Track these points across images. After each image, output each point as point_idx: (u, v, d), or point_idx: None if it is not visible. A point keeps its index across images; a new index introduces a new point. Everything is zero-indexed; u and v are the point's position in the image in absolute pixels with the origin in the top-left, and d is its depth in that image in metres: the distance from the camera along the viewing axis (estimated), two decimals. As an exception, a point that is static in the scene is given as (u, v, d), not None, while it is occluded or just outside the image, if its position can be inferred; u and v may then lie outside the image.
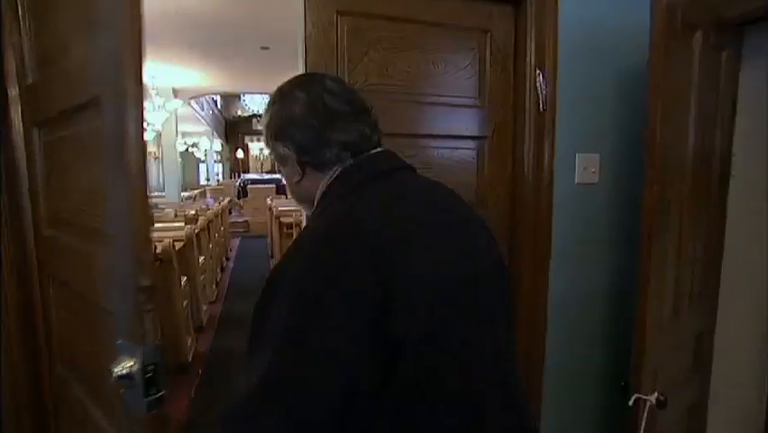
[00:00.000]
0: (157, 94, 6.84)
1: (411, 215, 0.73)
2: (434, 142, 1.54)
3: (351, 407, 0.62)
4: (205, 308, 4.55)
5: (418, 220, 0.74)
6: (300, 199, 0.89)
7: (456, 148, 1.57)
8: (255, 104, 25.61)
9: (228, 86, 8.15)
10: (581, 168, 1.67)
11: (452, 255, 0.74)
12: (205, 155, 18.79)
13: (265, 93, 9.60)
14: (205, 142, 15.38)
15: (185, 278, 3.77)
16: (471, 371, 0.71)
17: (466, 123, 1.57)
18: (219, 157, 20.57)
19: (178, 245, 3.60)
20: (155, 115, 6.88)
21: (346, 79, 1.36)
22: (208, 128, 15.25)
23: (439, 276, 0.69)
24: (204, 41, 5.24)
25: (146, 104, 6.36)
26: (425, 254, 0.69)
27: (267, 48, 5.48)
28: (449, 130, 1.55)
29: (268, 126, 0.84)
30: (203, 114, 13.14)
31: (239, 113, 23.60)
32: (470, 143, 1.59)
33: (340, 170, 0.79)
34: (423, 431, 0.67)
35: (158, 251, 3.10)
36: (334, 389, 0.61)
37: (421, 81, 1.49)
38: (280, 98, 0.83)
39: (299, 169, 0.82)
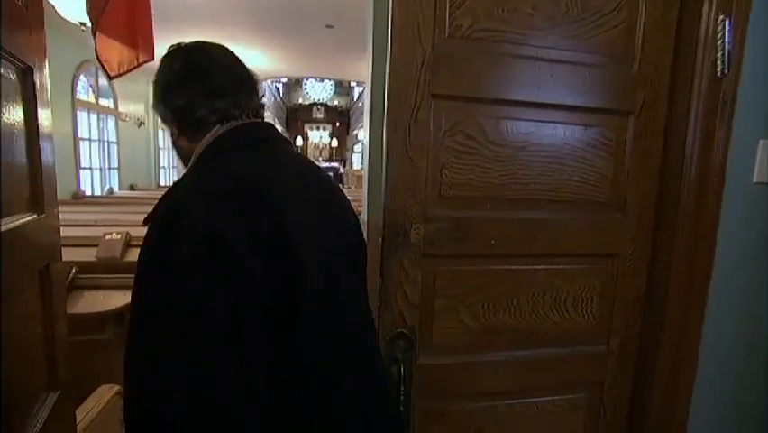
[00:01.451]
0: (220, 76, 6.77)
1: (285, 178, 0.79)
2: (556, 115, 1.11)
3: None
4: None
5: (288, 180, 0.79)
6: (179, 156, 0.91)
7: (587, 126, 1.14)
8: (316, 92, 25.85)
9: (291, 69, 7.99)
10: (765, 160, 1.18)
11: (315, 214, 0.79)
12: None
13: (327, 77, 9.41)
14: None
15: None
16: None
17: (603, 91, 1.13)
18: (279, 144, 20.84)
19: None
20: (218, 98, 6.83)
21: (447, 24, 1.01)
22: (270, 114, 15.42)
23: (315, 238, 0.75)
24: (268, 20, 5.03)
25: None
26: (295, 209, 0.74)
27: (331, 26, 5.18)
28: (578, 100, 1.12)
29: (153, 89, 0.87)
30: (265, 101, 13.24)
31: (300, 101, 23.87)
32: (608, 120, 1.15)
33: (218, 134, 0.82)
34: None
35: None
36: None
37: (545, 29, 1.07)
38: (162, 64, 0.87)
39: (175, 129, 0.87)
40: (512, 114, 1.06)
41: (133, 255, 2.91)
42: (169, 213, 0.72)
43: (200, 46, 0.88)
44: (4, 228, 0.81)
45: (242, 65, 0.89)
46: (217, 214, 0.68)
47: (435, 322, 1.06)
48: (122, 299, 1.73)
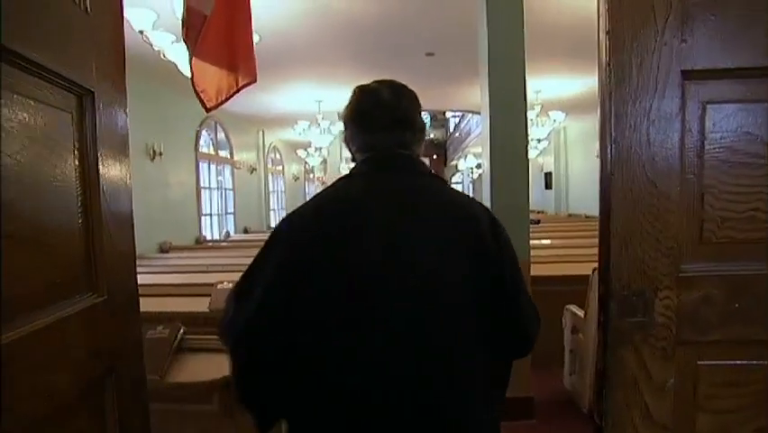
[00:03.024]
0: (323, 117, 6.91)
1: (349, 212, 0.94)
2: None
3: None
4: None
5: (333, 216, 0.94)
6: None
7: None
8: (411, 127, 26.21)
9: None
10: None
11: (351, 252, 0.90)
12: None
13: (426, 110, 9.26)
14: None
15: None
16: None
17: None
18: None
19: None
20: (321, 138, 6.96)
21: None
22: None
23: (336, 250, 0.90)
24: (368, 51, 4.97)
25: (313, 128, 6.40)
26: (324, 239, 0.91)
27: (432, 54, 4.96)
28: None
29: None
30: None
31: (396, 136, 24.25)
32: None
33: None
34: None
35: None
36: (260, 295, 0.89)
37: None
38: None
39: (350, 153, 1.09)
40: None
41: None
42: None
43: (364, 90, 1.05)
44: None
45: (380, 101, 1.02)
46: (290, 218, 0.98)
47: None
48: (228, 366, 1.49)
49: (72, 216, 0.61)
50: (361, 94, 1.04)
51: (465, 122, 15.60)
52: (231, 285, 2.74)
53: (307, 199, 1.09)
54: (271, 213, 10.67)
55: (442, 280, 0.89)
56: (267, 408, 0.94)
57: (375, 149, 0.99)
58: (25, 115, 0.53)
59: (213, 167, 7.78)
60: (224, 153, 8.15)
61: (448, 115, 24.18)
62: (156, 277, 3.71)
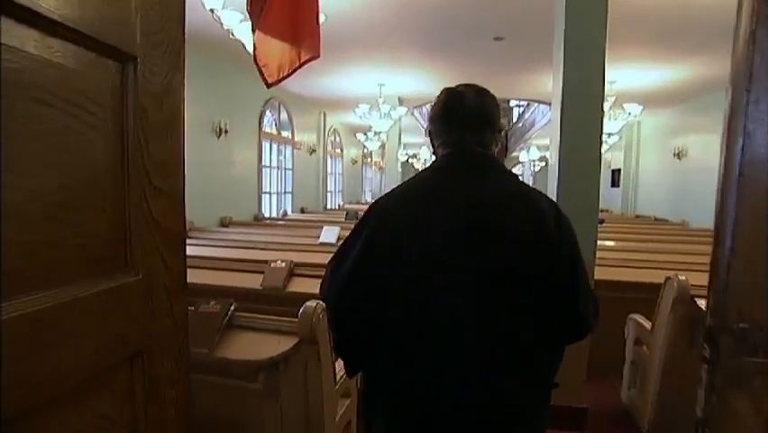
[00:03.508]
0: (384, 102, 6.84)
1: (416, 199, 1.10)
2: None
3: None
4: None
5: (416, 204, 1.09)
6: None
7: None
8: (473, 115, 25.53)
9: (452, 91, 7.73)
10: None
11: (429, 235, 1.04)
12: (425, 165, 19.37)
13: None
14: (425, 152, 15.72)
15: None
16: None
17: None
18: (435, 167, 21.02)
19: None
20: (381, 123, 6.90)
21: None
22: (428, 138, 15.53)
23: (399, 239, 1.05)
24: (433, 35, 4.80)
25: (373, 112, 6.33)
26: (396, 223, 1.07)
27: (501, 38, 4.71)
28: None
29: None
30: (425, 124, 13.34)
31: (457, 124, 23.78)
32: None
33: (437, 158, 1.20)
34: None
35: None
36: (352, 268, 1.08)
37: None
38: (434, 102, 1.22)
39: (432, 147, 1.23)
40: None
41: (296, 285, 2.83)
42: None
43: (451, 92, 1.17)
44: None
45: (462, 103, 1.14)
46: (378, 203, 1.16)
47: None
48: (275, 347, 1.48)
49: (106, 191, 0.58)
50: (448, 95, 1.17)
51: (530, 112, 14.94)
52: (284, 264, 2.74)
53: (386, 185, 1.54)
54: (328, 195, 10.83)
55: (507, 264, 1.02)
56: (353, 356, 1.14)
57: (457, 145, 1.12)
58: (52, 78, 0.50)
59: (274, 146, 7.97)
60: (285, 134, 8.32)
61: (512, 104, 23.28)
62: (214, 250, 3.85)
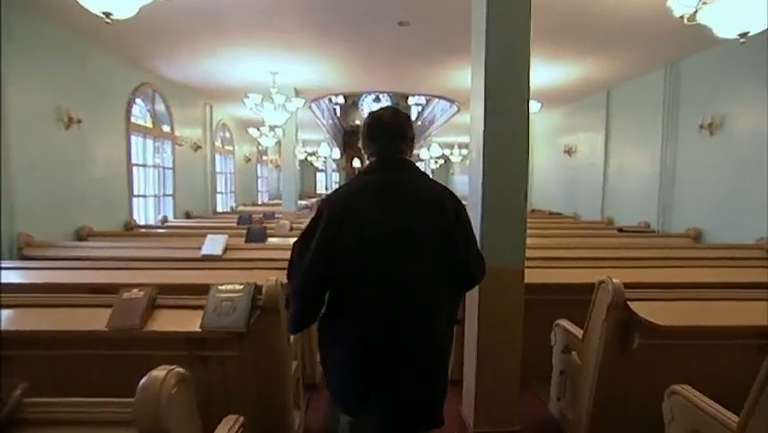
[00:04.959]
0: (277, 92, 6.15)
1: (368, 195, 1.51)
2: None
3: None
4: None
5: (369, 199, 1.49)
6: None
7: None
8: (372, 112, 25.51)
9: (353, 82, 7.26)
10: None
11: (380, 217, 1.46)
12: (324, 164, 18.72)
13: (391, 92, 8.63)
14: (324, 149, 15.09)
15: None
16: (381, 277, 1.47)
17: None
18: (336, 166, 20.49)
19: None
20: (275, 116, 6.21)
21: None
22: (328, 135, 14.94)
23: (362, 225, 1.45)
24: (330, 19, 4.28)
25: (266, 104, 5.64)
26: (357, 214, 1.46)
27: (406, 23, 4.35)
28: None
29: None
30: (323, 120, 12.73)
31: (357, 122, 23.57)
32: None
33: (367, 164, 1.64)
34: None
35: (260, 296, 2.07)
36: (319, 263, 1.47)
37: None
38: (364, 120, 1.69)
39: (366, 157, 1.65)
40: None
41: (160, 321, 2.05)
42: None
43: (374, 115, 1.65)
44: None
45: (386, 123, 1.62)
46: (325, 205, 1.54)
47: None
48: None
49: None
50: (372, 117, 1.64)
51: (429, 110, 15.13)
52: (141, 293, 2.01)
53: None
54: (218, 196, 9.75)
55: (425, 237, 1.49)
56: (308, 319, 1.56)
57: (382, 155, 1.58)
58: None
59: (149, 142, 6.84)
60: (165, 128, 7.20)
61: (410, 102, 23.68)
62: (53, 275, 2.93)
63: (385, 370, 1.44)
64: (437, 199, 1.54)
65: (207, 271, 3.07)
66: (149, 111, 6.82)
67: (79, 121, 4.65)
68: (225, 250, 4.02)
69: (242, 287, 2.10)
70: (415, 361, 1.46)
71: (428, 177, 1.66)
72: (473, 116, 2.57)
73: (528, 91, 2.41)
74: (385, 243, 1.45)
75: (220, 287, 2.10)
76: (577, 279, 3.02)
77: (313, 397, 2.91)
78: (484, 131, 2.36)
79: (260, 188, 13.95)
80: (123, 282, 2.88)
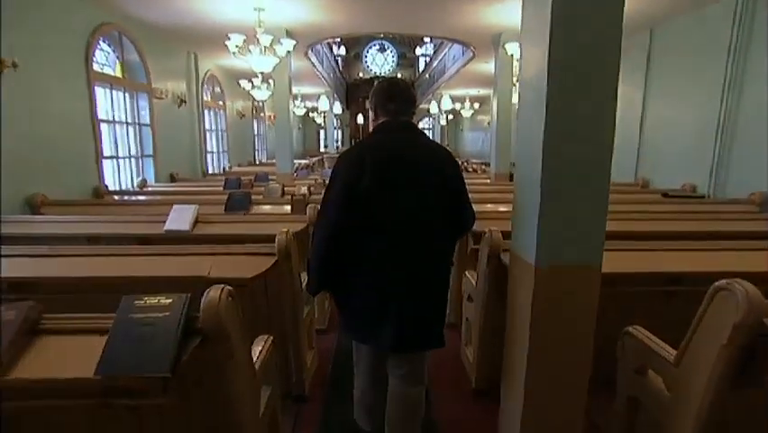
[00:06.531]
0: (264, 32, 5.21)
1: (382, 150, 1.72)
2: None
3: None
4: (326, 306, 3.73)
5: (383, 153, 1.71)
6: None
7: None
8: (377, 65, 24.10)
9: (353, 23, 6.27)
10: None
11: (387, 165, 1.68)
12: (324, 120, 17.66)
13: (398, 34, 7.58)
14: (324, 103, 14.01)
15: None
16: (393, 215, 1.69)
17: None
18: (339, 123, 19.41)
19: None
20: (262, 61, 5.29)
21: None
22: (329, 89, 13.85)
23: (379, 173, 1.65)
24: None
25: (252, 47, 4.70)
26: (375, 163, 1.67)
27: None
28: None
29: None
30: (323, 72, 11.66)
31: (360, 75, 22.28)
32: None
33: (380, 122, 1.84)
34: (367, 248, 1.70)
35: (200, 313, 1.33)
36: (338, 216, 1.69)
37: None
38: (376, 84, 1.92)
39: (373, 115, 1.88)
40: None
41: (39, 363, 1.32)
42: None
43: (389, 80, 1.93)
44: None
45: (401, 89, 1.88)
46: (344, 159, 1.78)
47: None
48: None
49: None
50: (387, 82, 1.92)
51: (438, 60, 13.92)
52: (12, 313, 1.26)
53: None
54: (208, 156, 8.95)
55: (431, 189, 1.72)
56: (326, 275, 1.76)
57: (396, 116, 1.82)
58: None
59: (119, 95, 5.98)
60: (140, 79, 6.32)
61: (418, 52, 22.24)
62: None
63: (396, 302, 1.70)
64: (440, 156, 1.80)
65: (155, 260, 2.34)
66: (118, 58, 5.91)
67: (14, 65, 3.81)
68: (196, 223, 3.28)
69: (169, 301, 1.36)
70: (422, 294, 1.74)
71: (429, 138, 1.93)
72: (527, 38, 1.72)
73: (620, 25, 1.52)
74: (398, 192, 1.67)
75: (137, 301, 1.37)
76: (641, 265, 2.29)
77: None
78: (549, 61, 1.51)
79: (257, 147, 13.09)
80: (43, 276, 2.18)
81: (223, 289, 1.37)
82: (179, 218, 3.21)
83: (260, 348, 1.81)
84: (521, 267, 1.77)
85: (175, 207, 3.30)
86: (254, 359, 1.68)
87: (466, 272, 2.93)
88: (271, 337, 1.93)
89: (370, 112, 1.90)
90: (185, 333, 1.31)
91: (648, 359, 1.87)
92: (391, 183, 1.65)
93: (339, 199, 1.65)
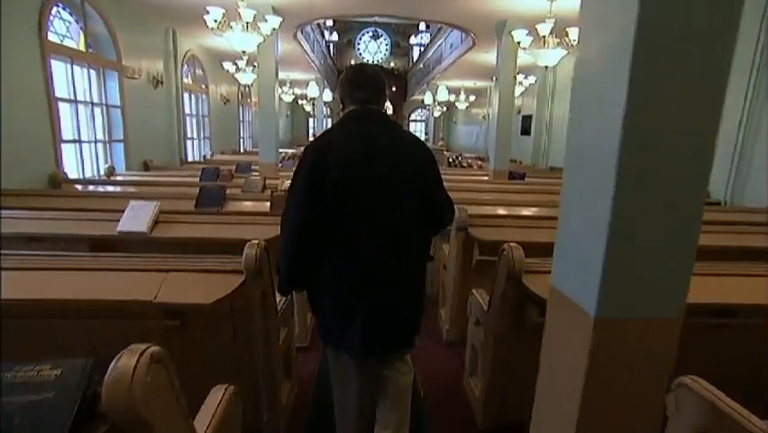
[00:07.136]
0: (247, 6, 4.65)
1: (348, 139, 1.62)
2: None
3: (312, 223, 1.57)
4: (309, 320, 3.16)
5: (349, 140, 1.62)
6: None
7: None
8: (369, 53, 23.46)
9: (346, 2, 5.75)
10: None
11: (357, 158, 1.58)
12: (314, 107, 17.01)
13: (394, 17, 7.05)
14: (313, 89, 13.38)
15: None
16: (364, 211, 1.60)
17: None
18: (329, 111, 18.79)
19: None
20: (244, 39, 4.73)
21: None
22: (319, 75, 13.24)
23: (347, 166, 1.56)
24: None
25: (233, 23, 4.11)
26: (342, 156, 1.57)
27: None
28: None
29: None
30: (313, 56, 11.07)
31: (352, 62, 21.64)
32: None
33: (347, 111, 1.72)
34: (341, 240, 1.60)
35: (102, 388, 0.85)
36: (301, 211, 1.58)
37: None
38: (343, 73, 1.83)
39: (341, 105, 1.75)
40: None
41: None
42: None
43: (358, 65, 1.82)
44: None
45: (368, 75, 1.73)
46: (310, 150, 1.64)
47: None
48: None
49: None
50: (357, 66, 1.80)
51: (435, 48, 13.38)
52: None
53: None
54: (188, 143, 8.35)
55: (404, 180, 1.63)
56: (297, 272, 1.66)
57: (365, 104, 1.68)
58: None
59: (85, 71, 5.38)
60: (109, 56, 5.73)
61: (413, 41, 21.68)
62: None
63: (366, 301, 1.61)
64: (414, 146, 1.73)
65: (95, 276, 1.84)
66: (81, 28, 5.30)
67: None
68: (156, 223, 2.78)
69: (57, 372, 0.89)
70: (393, 293, 1.65)
71: (400, 127, 1.84)
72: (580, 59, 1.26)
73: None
74: (367, 183, 1.58)
75: (9, 374, 0.89)
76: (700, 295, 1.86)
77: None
78: (637, 28, 1.03)
79: (242, 134, 12.47)
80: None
81: (143, 353, 0.91)
82: (136, 217, 2.71)
83: (213, 408, 1.35)
84: (570, 312, 1.32)
85: (131, 203, 2.79)
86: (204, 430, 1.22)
87: (474, 291, 2.49)
88: (232, 388, 1.46)
89: (339, 104, 1.79)
90: (80, 421, 0.84)
91: (717, 422, 1.45)
92: (362, 177, 1.58)
93: (302, 195, 1.57)
